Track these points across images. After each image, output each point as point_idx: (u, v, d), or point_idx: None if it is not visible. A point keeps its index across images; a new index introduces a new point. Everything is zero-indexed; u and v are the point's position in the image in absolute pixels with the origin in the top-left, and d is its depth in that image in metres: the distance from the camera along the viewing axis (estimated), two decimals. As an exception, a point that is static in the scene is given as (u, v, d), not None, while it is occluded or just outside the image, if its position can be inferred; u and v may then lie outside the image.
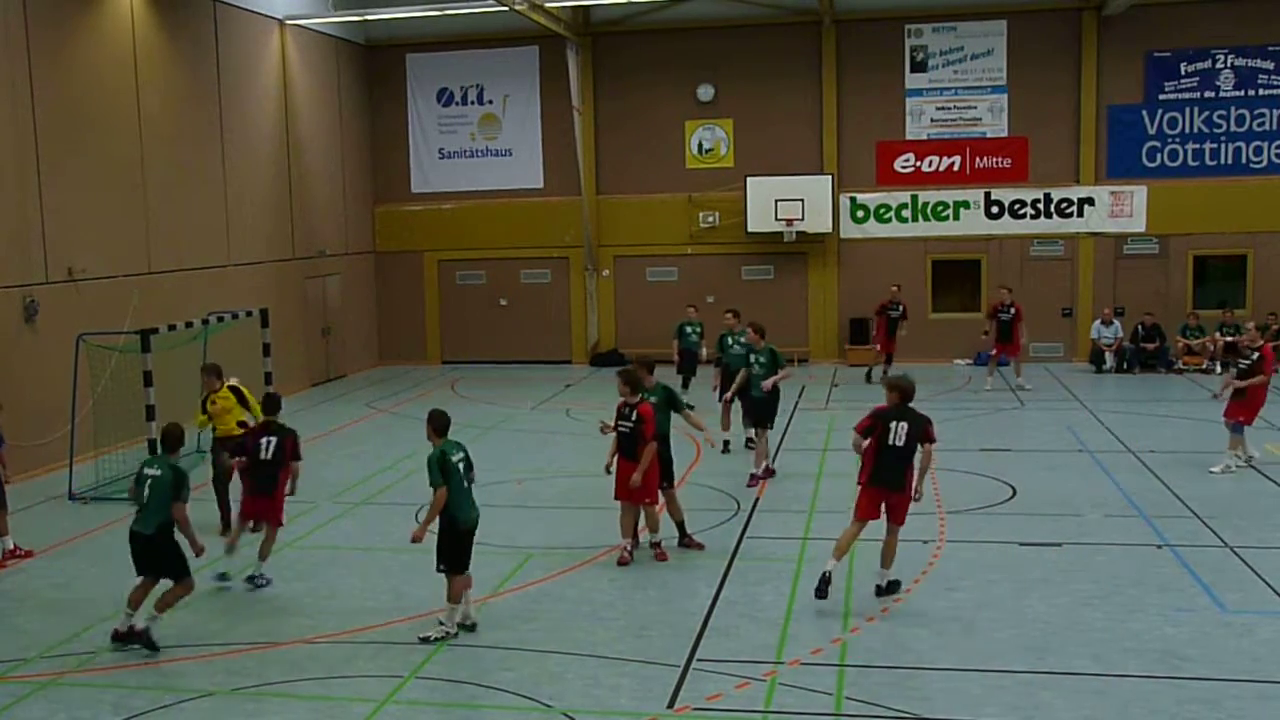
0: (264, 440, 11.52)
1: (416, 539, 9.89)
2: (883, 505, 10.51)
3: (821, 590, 10.23)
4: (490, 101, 27.76)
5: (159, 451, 9.95)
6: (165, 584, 9.95)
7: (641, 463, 11.54)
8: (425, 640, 9.76)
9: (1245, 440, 15.40)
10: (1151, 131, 25.33)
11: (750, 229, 26.08)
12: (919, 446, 10.36)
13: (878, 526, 10.59)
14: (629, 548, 11.92)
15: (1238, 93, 24.92)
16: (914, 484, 10.47)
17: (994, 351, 22.81)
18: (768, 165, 26.16)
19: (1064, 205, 25.76)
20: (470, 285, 28.38)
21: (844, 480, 14.91)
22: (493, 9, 23.57)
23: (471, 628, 9.97)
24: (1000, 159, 25.95)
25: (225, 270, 21.96)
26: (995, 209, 25.99)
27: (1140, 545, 12.19)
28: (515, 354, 27.98)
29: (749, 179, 26.00)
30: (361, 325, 27.87)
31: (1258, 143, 24.99)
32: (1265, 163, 24.99)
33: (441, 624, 9.87)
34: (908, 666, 9.17)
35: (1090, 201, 25.63)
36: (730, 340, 17.80)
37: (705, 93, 26.81)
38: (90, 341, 16.05)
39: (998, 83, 25.75)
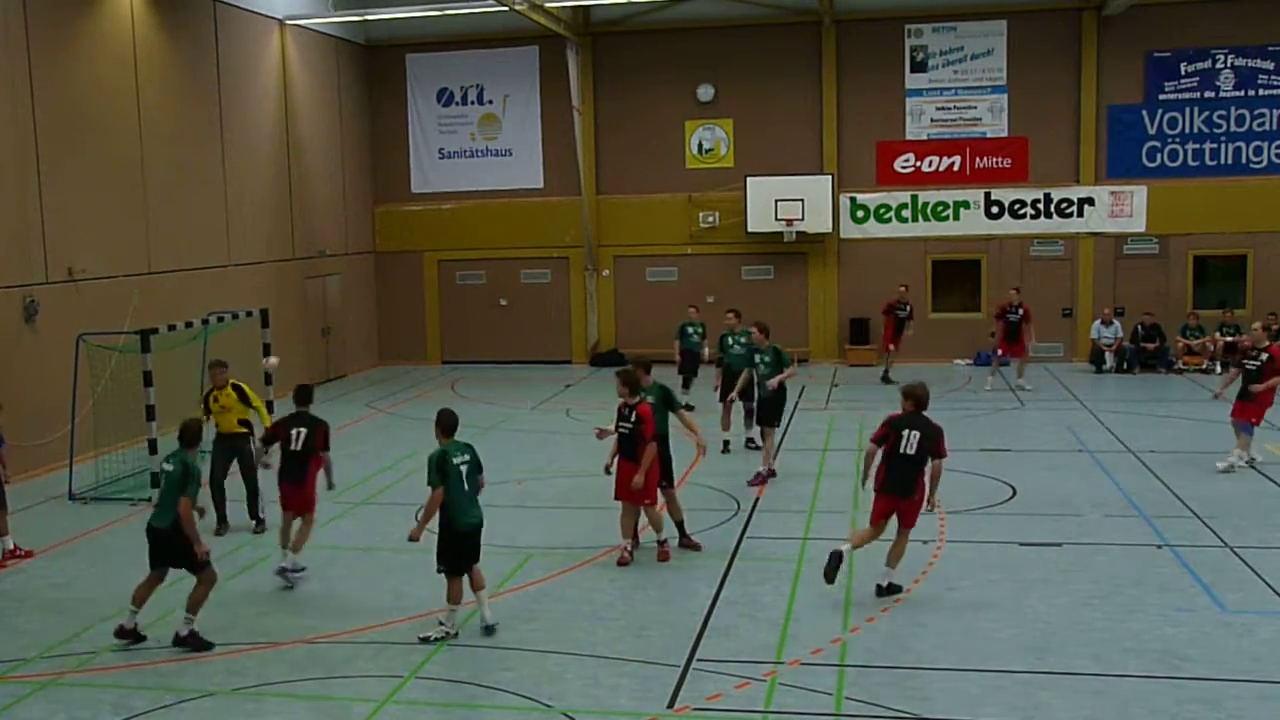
0: (295, 431, 11.52)
1: (414, 538, 9.90)
2: (894, 511, 10.58)
3: (831, 570, 10.25)
4: (490, 101, 27.76)
5: (177, 446, 9.97)
6: (169, 584, 9.94)
7: (642, 464, 11.53)
8: (425, 640, 9.76)
9: (1251, 441, 15.37)
10: (1151, 131, 25.32)
11: (750, 229, 26.08)
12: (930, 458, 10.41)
13: (888, 527, 10.67)
14: (629, 548, 11.92)
15: (1238, 93, 24.91)
16: (927, 495, 10.52)
17: (999, 351, 22.79)
18: (768, 165, 26.16)
19: (1064, 205, 25.75)
20: (470, 285, 28.37)
21: (844, 480, 14.98)
22: (493, 9, 23.56)
23: (490, 630, 9.89)
24: (1000, 159, 25.93)
25: (225, 270, 21.97)
26: (995, 209, 25.98)
27: (1140, 545, 12.19)
28: (515, 354, 27.97)
29: (749, 179, 25.99)
30: (361, 325, 27.86)
31: (1258, 143, 24.98)
32: (1265, 163, 24.98)
33: (441, 624, 9.86)
34: (907, 666, 9.17)
35: (1090, 201, 25.62)
36: (731, 340, 17.78)
37: (705, 93, 26.79)
38: (90, 341, 16.04)
39: (998, 83, 25.74)
